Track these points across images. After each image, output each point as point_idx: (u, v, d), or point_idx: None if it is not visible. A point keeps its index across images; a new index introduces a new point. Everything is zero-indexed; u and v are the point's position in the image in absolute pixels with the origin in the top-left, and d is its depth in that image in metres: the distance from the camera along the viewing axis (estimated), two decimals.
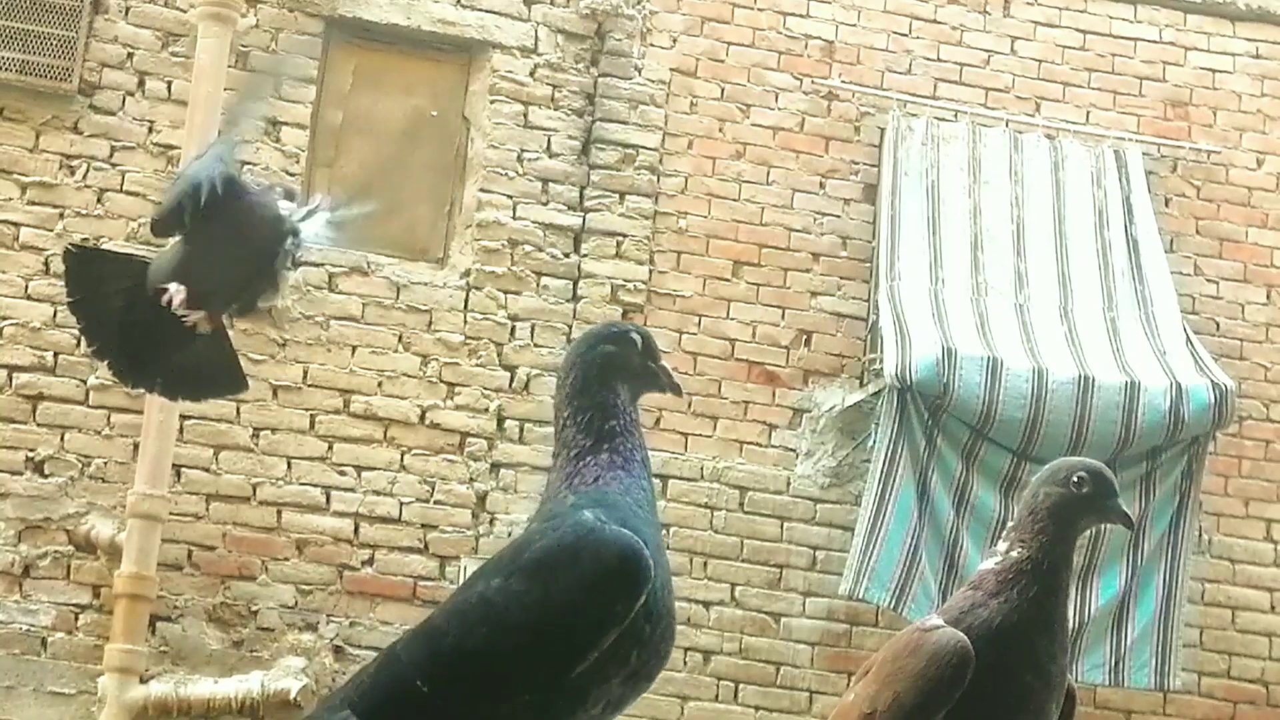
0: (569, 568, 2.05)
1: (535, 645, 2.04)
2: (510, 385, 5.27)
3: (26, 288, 5.06)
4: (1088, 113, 5.77)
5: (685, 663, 5.15)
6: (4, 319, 5.03)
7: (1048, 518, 2.53)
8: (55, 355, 5.03)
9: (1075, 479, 2.55)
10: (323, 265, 5.22)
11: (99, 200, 5.14)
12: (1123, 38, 5.85)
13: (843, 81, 5.63)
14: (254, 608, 5.01)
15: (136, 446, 4.89)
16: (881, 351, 5.23)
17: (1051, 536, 2.52)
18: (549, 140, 5.42)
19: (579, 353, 2.30)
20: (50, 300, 5.04)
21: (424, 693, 2.06)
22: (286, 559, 5.06)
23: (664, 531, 5.28)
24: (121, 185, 5.15)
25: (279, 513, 5.08)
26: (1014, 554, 2.51)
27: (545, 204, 5.38)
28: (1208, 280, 5.72)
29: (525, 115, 5.42)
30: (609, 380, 2.26)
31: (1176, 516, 5.30)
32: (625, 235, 5.41)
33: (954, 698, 2.38)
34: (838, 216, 5.58)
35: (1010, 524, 2.61)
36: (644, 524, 2.14)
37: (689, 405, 5.36)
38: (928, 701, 2.39)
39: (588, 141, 5.45)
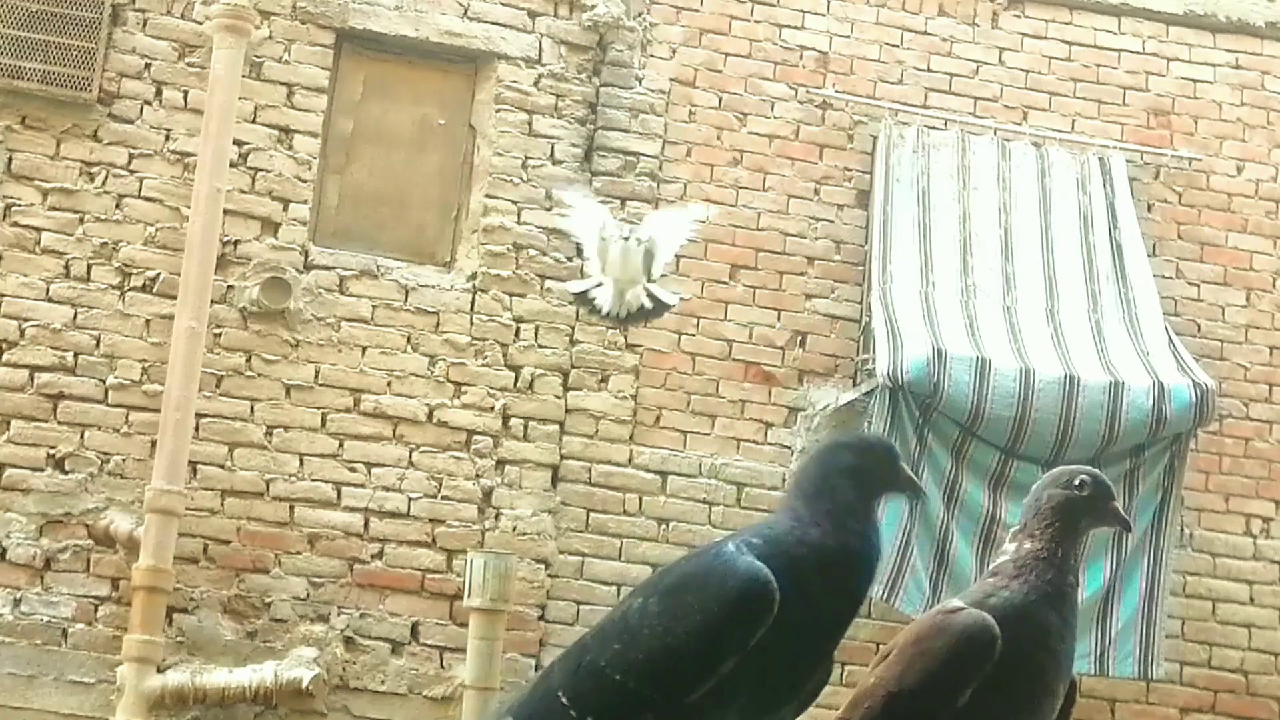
0: (696, 593, 2.13)
1: (657, 665, 2.11)
2: (515, 385, 5.38)
3: (47, 290, 5.17)
4: (1073, 121, 5.88)
5: None
6: (26, 320, 5.14)
7: (1052, 516, 2.60)
8: (75, 355, 5.14)
9: (1077, 482, 2.63)
10: (334, 269, 5.36)
11: (117, 206, 5.25)
12: (1107, 49, 5.97)
13: (836, 91, 5.74)
14: (267, 600, 5.12)
15: (154, 444, 4.98)
16: (874, 352, 5.32)
17: (1058, 531, 2.59)
18: (552, 148, 5.54)
19: (825, 452, 2.33)
20: (70, 302, 5.17)
21: (563, 704, 2.16)
22: (299, 553, 5.16)
23: (664, 526, 5.44)
24: (139, 191, 5.27)
25: (291, 508, 5.18)
26: (1027, 546, 2.58)
27: (549, 209, 5.47)
28: (1189, 283, 5.83)
29: (529, 123, 5.53)
30: (849, 482, 2.28)
31: (1159, 512, 5.39)
32: None
33: (983, 674, 2.41)
34: (831, 221, 5.69)
35: (1015, 528, 2.66)
36: (793, 563, 2.15)
37: (688, 404, 5.49)
38: (957, 679, 2.42)
39: (590, 149, 5.56)
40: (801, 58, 5.77)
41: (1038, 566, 2.55)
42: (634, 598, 2.22)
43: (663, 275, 4.78)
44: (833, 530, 2.22)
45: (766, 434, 5.51)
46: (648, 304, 4.76)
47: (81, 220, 5.22)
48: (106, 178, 5.25)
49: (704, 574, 2.15)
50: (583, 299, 4.91)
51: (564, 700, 2.16)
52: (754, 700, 2.16)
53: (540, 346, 5.42)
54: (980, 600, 2.53)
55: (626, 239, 4.70)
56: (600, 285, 4.76)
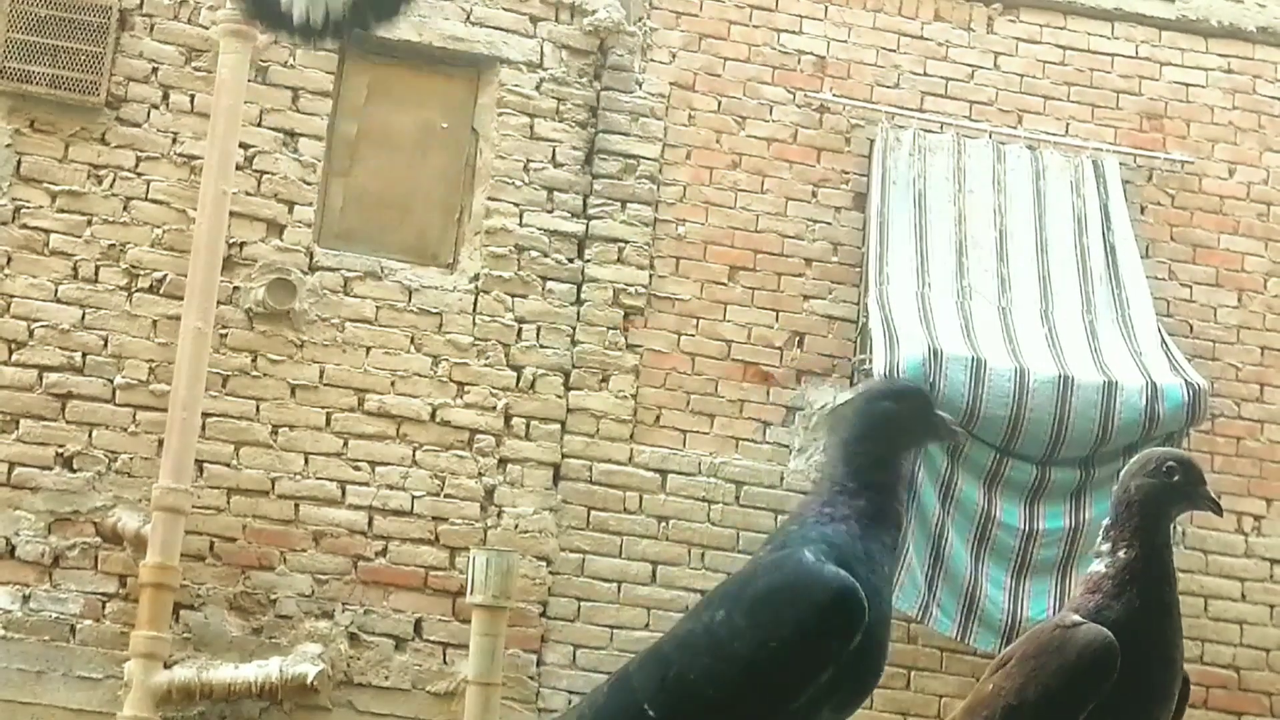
0: (788, 607, 2.15)
1: (755, 679, 2.14)
2: (517, 384, 5.44)
3: (56, 291, 5.23)
4: (1067, 125, 5.94)
5: None
6: (35, 321, 5.19)
7: (1141, 510, 2.54)
8: (83, 355, 5.19)
9: (1165, 468, 2.59)
10: (338, 270, 5.42)
11: (125, 208, 5.31)
12: (1101, 53, 6.02)
13: (834, 95, 5.80)
14: (273, 596, 5.17)
15: (161, 443, 5.04)
16: (871, 352, 5.36)
17: (1149, 529, 2.54)
18: (554, 151, 5.60)
19: (865, 400, 2.39)
20: (78, 303, 5.23)
21: (650, 717, 2.18)
22: (304, 550, 5.22)
23: (663, 524, 5.51)
24: (147, 194, 5.32)
25: (296, 506, 5.24)
26: (1122, 554, 2.53)
27: (550, 211, 5.55)
28: (1182, 284, 5.89)
29: (531, 127, 5.59)
30: (888, 433, 2.34)
31: None
32: (626, 241, 5.59)
33: (1104, 690, 2.40)
34: (829, 224, 5.75)
35: (1106, 522, 2.61)
36: (862, 565, 2.21)
37: (687, 404, 5.55)
38: (1077, 695, 2.41)
39: (591, 152, 5.62)
40: (799, 62, 5.83)
41: (1137, 581, 2.51)
42: (712, 610, 2.23)
43: None
44: (875, 497, 2.29)
45: (765, 433, 5.56)
46: None
47: (89, 222, 5.27)
48: (114, 180, 5.31)
49: (791, 586, 2.17)
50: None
51: (651, 713, 2.18)
52: (847, 694, 2.21)
53: (542, 347, 5.48)
54: (1092, 617, 2.49)
55: None
56: None
